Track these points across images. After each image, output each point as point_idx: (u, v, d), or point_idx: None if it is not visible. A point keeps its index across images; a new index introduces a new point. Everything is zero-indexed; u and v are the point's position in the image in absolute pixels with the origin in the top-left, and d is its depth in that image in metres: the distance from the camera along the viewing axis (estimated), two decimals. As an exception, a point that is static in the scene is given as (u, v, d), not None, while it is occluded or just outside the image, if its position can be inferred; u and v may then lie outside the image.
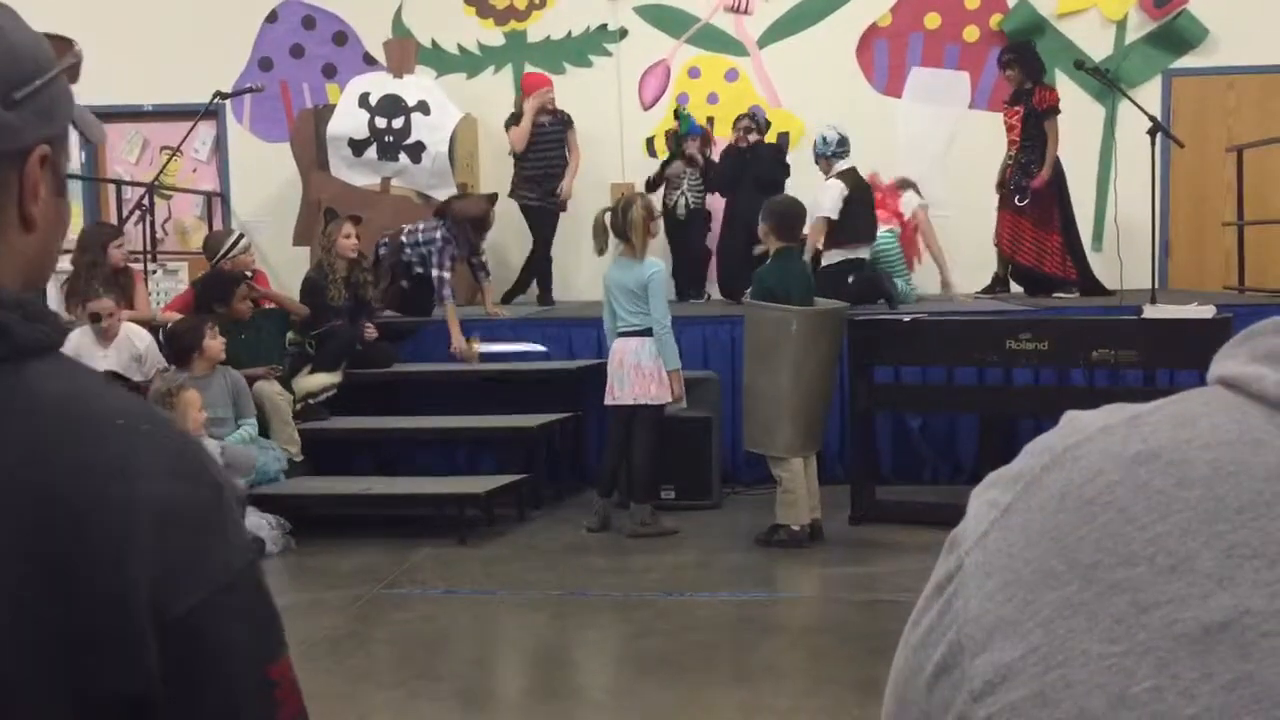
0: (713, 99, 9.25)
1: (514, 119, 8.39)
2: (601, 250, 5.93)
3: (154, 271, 8.11)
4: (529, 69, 9.17)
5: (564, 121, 8.41)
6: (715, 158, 8.46)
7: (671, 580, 5.06)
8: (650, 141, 9.52)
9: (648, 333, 5.76)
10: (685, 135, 8.44)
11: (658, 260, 5.99)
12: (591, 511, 5.98)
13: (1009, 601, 0.50)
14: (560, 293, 8.70)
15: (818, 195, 7.26)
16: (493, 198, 7.58)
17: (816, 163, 7.58)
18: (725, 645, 4.25)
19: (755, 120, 8.21)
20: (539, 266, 8.52)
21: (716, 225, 8.54)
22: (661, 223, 6.26)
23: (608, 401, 5.87)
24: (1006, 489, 0.55)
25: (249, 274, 6.93)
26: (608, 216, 5.88)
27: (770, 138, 8.47)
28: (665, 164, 8.56)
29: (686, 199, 8.40)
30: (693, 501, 6.30)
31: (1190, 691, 0.43)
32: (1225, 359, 0.52)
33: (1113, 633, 0.46)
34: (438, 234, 7.19)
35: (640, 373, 5.74)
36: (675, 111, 8.76)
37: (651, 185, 8.38)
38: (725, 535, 5.79)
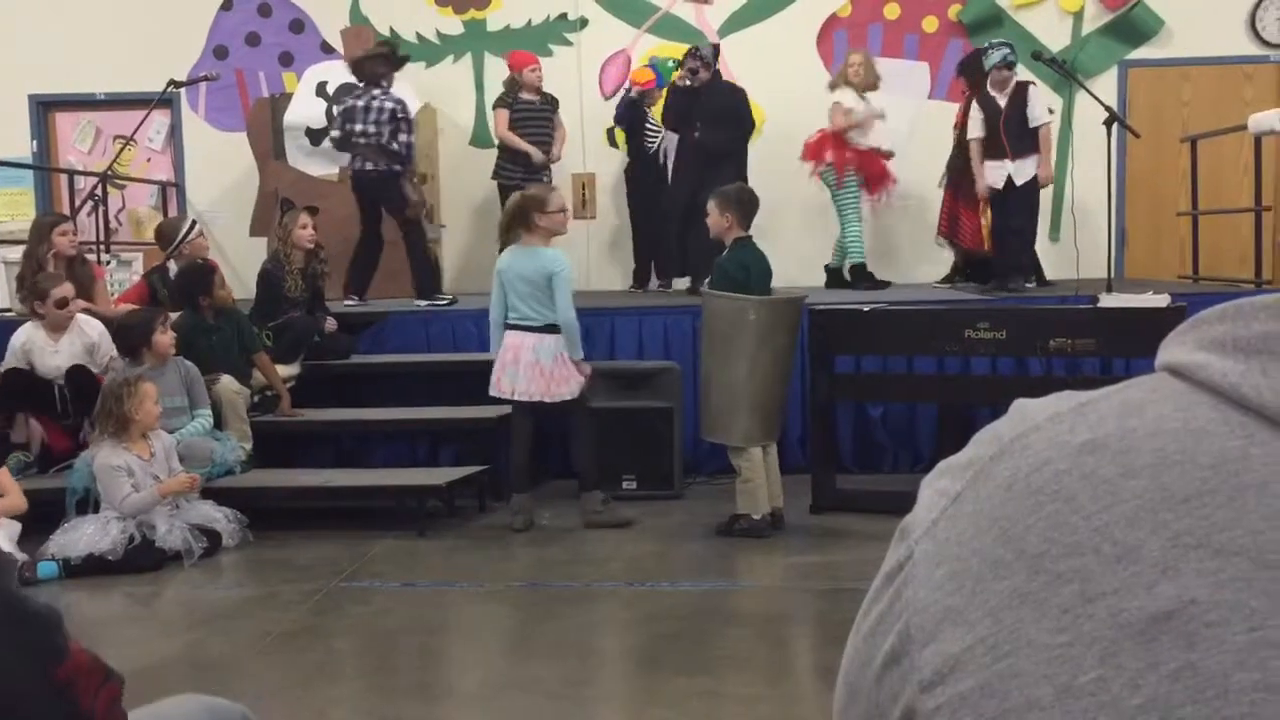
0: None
1: (502, 99, 8.34)
2: (503, 247, 5.74)
3: (108, 262, 8.00)
4: (515, 50, 9.03)
5: (551, 103, 8.38)
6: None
7: (633, 570, 5.06)
8: (611, 132, 9.50)
9: (546, 329, 5.58)
10: (664, 86, 8.46)
11: (560, 252, 5.70)
12: (513, 512, 5.80)
13: (958, 591, 0.49)
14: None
15: (1033, 109, 7.38)
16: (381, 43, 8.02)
17: (998, 72, 7.49)
18: (687, 635, 4.25)
19: (700, 57, 8.02)
20: None
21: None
22: (567, 215, 5.90)
23: (493, 392, 5.70)
24: (956, 477, 0.54)
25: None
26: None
27: None
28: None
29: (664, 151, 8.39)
30: (654, 491, 6.30)
31: (1135, 682, 0.43)
32: (1172, 346, 0.52)
33: (1059, 623, 0.45)
34: (389, 103, 7.43)
35: (539, 371, 5.58)
36: (656, 64, 8.73)
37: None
38: (686, 525, 5.80)
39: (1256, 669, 0.41)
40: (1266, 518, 0.44)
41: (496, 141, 8.41)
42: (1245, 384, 0.46)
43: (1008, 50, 7.54)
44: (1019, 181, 7.45)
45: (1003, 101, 7.50)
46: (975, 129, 7.60)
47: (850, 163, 8.03)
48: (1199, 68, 9.19)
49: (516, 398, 5.67)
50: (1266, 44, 9.13)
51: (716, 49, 8.24)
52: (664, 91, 8.39)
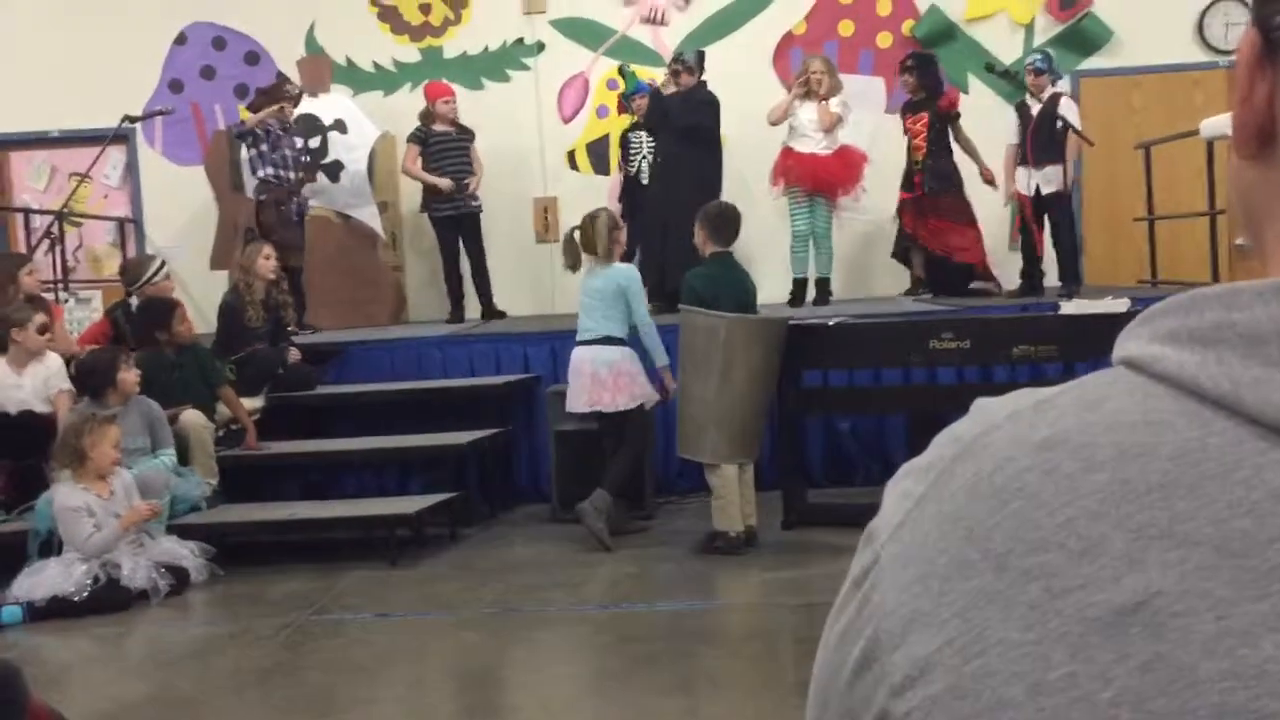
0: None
1: (415, 134, 8.33)
2: (574, 266, 5.95)
3: (66, 300, 7.93)
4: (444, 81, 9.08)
5: (467, 133, 8.38)
6: None
7: (608, 592, 5.04)
8: (572, 155, 9.52)
9: (607, 341, 5.71)
10: (632, 94, 8.42)
11: (630, 265, 6.00)
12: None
13: (925, 593, 0.49)
14: (475, 308, 8.63)
15: (1066, 114, 7.59)
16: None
17: (1035, 78, 7.75)
18: (664, 655, 4.23)
19: (681, 61, 8.02)
20: (479, 278, 8.44)
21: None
22: (625, 232, 6.19)
23: (574, 407, 5.87)
24: (919, 480, 0.54)
25: None
26: (577, 234, 5.87)
27: None
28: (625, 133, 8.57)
29: (649, 163, 8.26)
30: (627, 512, 6.27)
31: (1105, 675, 0.43)
32: (1128, 340, 0.52)
33: (1027, 620, 0.45)
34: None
35: (597, 381, 5.70)
36: (620, 69, 8.75)
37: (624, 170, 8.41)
38: (660, 545, 5.78)
39: (1225, 658, 0.41)
40: (1229, 506, 0.44)
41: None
42: (1202, 375, 0.46)
43: (1038, 56, 7.90)
44: (1045, 191, 7.60)
45: (1035, 109, 7.66)
46: (1011, 135, 7.81)
47: (786, 173, 7.96)
48: (1149, 76, 9.32)
49: (583, 409, 5.79)
50: (1214, 50, 9.28)
51: (701, 55, 8.19)
52: (643, 97, 8.39)
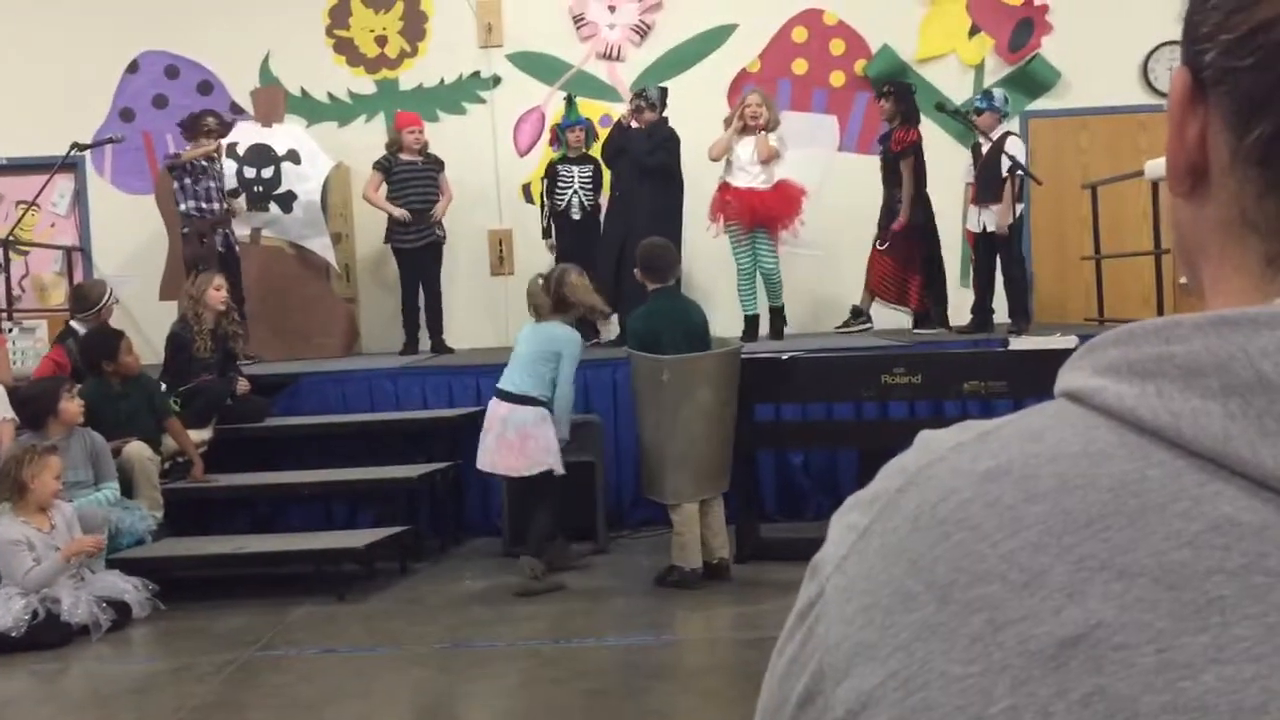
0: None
1: (380, 162, 8.31)
2: (540, 317, 5.73)
3: (10, 330, 7.79)
4: (403, 111, 9.06)
5: (435, 162, 8.37)
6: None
7: (558, 627, 5.00)
8: (527, 188, 9.53)
9: (524, 401, 5.49)
10: (570, 125, 8.38)
11: (573, 330, 5.73)
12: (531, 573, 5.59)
13: (869, 625, 0.49)
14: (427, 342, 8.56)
15: (1013, 152, 7.55)
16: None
17: (979, 118, 7.80)
18: (614, 691, 4.20)
19: (644, 97, 8.02)
20: (430, 311, 8.38)
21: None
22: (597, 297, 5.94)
23: (480, 465, 5.61)
24: (864, 512, 0.54)
25: None
26: (539, 283, 5.75)
27: None
28: (552, 164, 8.46)
29: (580, 198, 8.20)
30: (578, 547, 6.24)
31: (1046, 709, 0.42)
32: (1070, 372, 0.52)
33: (969, 653, 0.45)
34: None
35: (505, 443, 5.47)
36: (567, 98, 8.74)
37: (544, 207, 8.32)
38: (611, 580, 5.75)
39: (1165, 690, 0.41)
40: (1168, 538, 0.44)
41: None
42: (1141, 406, 0.47)
43: (978, 97, 8.03)
44: (991, 228, 7.66)
45: (985, 148, 7.73)
46: (965, 174, 7.91)
47: (724, 208, 7.87)
48: (1096, 117, 9.50)
49: (494, 471, 5.57)
50: (1159, 93, 9.48)
51: (663, 91, 8.20)
52: (578, 130, 8.36)
